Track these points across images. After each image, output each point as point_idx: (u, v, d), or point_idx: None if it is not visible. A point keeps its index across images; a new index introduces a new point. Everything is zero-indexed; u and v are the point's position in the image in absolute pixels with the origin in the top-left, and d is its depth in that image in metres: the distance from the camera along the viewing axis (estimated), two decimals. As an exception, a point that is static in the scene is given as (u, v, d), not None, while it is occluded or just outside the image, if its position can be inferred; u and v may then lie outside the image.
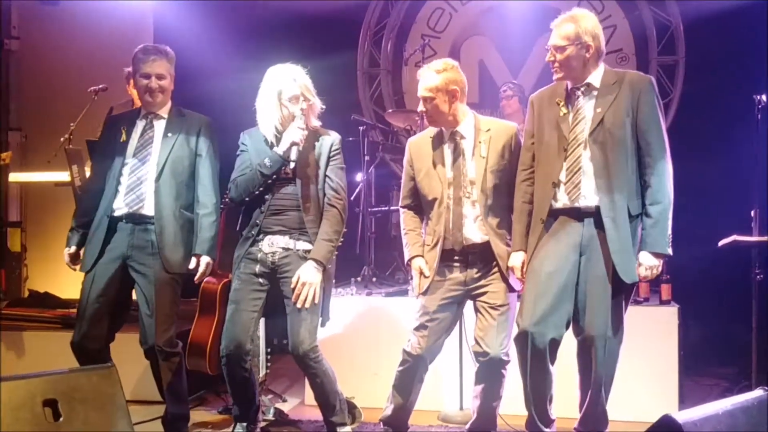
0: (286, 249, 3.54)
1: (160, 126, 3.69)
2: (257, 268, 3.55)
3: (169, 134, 3.67)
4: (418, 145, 3.62)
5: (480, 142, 3.48)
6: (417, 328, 3.51)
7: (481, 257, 3.46)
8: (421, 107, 3.51)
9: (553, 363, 3.28)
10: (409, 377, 3.54)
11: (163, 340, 3.59)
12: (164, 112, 3.71)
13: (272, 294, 3.60)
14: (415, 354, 3.49)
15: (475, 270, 3.46)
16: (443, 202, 3.47)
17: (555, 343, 3.24)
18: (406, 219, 3.67)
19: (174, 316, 3.66)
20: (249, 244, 3.57)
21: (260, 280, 3.56)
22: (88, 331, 3.56)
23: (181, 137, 3.68)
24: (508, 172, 3.48)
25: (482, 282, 3.46)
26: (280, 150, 3.51)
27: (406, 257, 3.61)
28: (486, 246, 3.45)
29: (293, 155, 3.49)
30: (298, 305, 3.46)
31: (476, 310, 3.50)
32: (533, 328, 3.19)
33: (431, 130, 3.63)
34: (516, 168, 3.47)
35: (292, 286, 3.48)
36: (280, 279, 3.56)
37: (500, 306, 3.41)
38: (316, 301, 3.50)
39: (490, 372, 3.44)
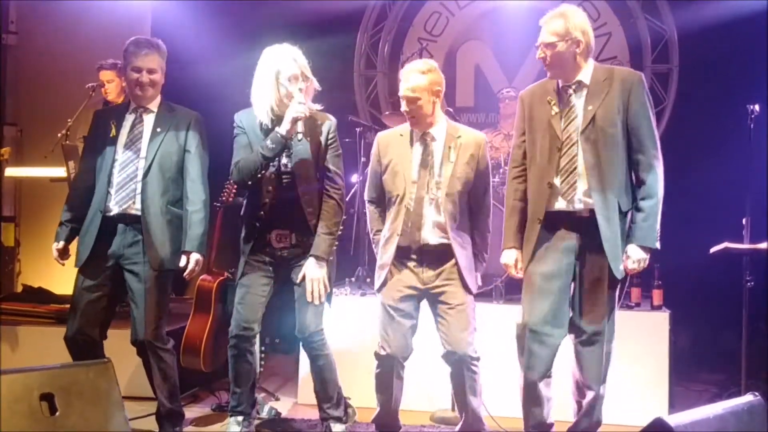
0: (296, 241, 3.57)
1: (149, 120, 3.68)
2: (267, 258, 3.60)
3: (158, 129, 3.66)
4: (387, 140, 3.63)
5: (450, 147, 3.49)
6: (380, 329, 3.51)
7: (437, 258, 3.46)
8: (404, 107, 3.51)
9: (551, 368, 3.30)
10: (386, 379, 3.53)
11: (153, 335, 3.60)
12: (153, 106, 3.70)
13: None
14: (384, 354, 3.48)
15: (431, 270, 3.46)
16: (404, 201, 3.48)
17: (556, 346, 3.26)
18: (373, 218, 3.69)
19: (164, 312, 3.67)
20: (255, 237, 3.59)
21: (269, 267, 3.61)
22: (81, 326, 3.58)
23: (171, 132, 3.66)
24: (472, 181, 3.49)
25: (438, 282, 3.45)
26: (282, 129, 3.44)
27: (379, 259, 3.59)
28: (442, 248, 3.45)
29: (299, 128, 3.42)
30: (315, 302, 3.54)
31: (435, 313, 3.50)
32: (534, 331, 3.21)
33: (402, 128, 3.64)
34: (480, 178, 3.51)
35: (298, 280, 3.55)
36: (293, 268, 3.60)
37: (458, 305, 3.42)
38: (327, 291, 3.57)
39: (461, 371, 3.45)
